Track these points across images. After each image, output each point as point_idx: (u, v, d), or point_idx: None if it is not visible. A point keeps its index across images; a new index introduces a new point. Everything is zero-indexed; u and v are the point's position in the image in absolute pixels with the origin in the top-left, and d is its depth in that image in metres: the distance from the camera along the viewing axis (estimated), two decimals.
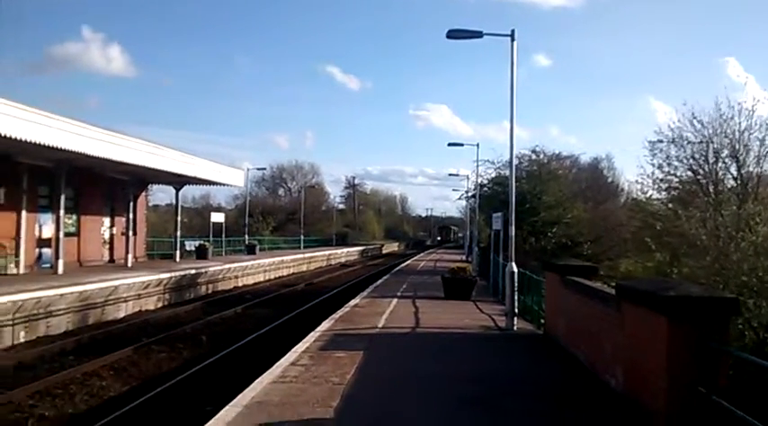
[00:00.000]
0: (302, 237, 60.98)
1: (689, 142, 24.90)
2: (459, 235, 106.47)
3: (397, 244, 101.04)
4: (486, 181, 39.46)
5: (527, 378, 9.70)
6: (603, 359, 8.86)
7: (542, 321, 15.07)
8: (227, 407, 7.39)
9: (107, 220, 29.83)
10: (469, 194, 46.66)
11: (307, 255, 49.34)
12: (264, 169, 77.82)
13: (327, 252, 56.31)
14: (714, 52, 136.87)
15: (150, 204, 45.04)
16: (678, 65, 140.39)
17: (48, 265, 23.79)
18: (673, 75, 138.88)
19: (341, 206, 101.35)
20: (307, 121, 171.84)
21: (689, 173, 25.45)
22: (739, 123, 23.23)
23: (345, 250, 63.69)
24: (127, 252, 27.82)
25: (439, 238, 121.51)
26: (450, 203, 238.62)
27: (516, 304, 15.02)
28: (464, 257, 47.70)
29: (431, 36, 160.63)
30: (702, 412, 5.89)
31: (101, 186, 28.13)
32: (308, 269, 46.54)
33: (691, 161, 25.15)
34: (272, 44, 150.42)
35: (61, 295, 17.64)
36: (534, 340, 13.76)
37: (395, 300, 19.82)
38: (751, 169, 23.46)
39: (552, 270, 13.42)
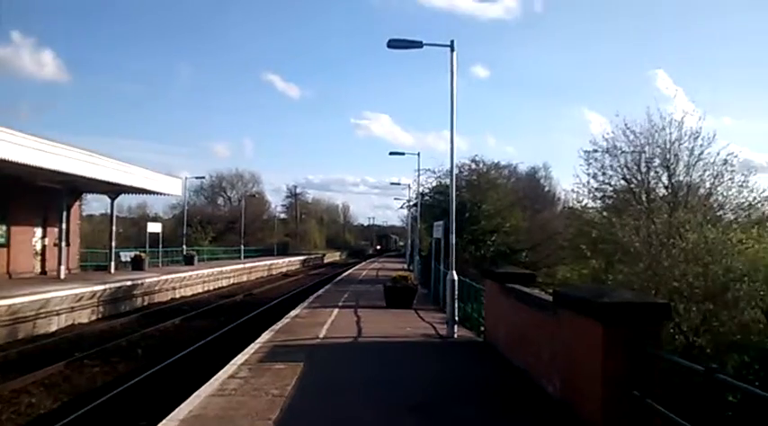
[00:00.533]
0: (243, 247, 60.20)
1: (622, 152, 25.72)
2: (401, 243, 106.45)
3: (339, 253, 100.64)
4: (427, 190, 39.83)
5: (467, 386, 9.75)
6: (541, 366, 8.98)
7: (482, 328, 15.21)
8: (163, 422, 7.21)
9: (39, 231, 28.88)
10: (411, 203, 46.96)
11: (247, 265, 48.74)
12: (203, 178, 76.52)
13: (268, 262, 55.72)
14: (644, 65, 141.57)
15: (84, 214, 43.74)
16: (610, 76, 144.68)
17: None
18: (605, 87, 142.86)
19: (282, 215, 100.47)
20: (246, 129, 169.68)
21: (622, 182, 26.24)
22: (670, 133, 24.11)
23: (287, 259, 63.17)
24: (59, 264, 26.94)
25: (378, 247, 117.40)
26: (392, 212, 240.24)
27: (457, 312, 15.13)
28: (405, 266, 47.87)
29: (370, 45, 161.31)
30: (637, 416, 6.02)
31: (32, 195, 27.18)
32: (248, 279, 45.94)
33: (624, 170, 25.93)
34: (211, 51, 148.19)
35: None
36: (474, 347, 13.87)
37: (336, 310, 19.72)
38: (681, 178, 24.36)
39: (491, 277, 13.56)
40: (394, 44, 15.04)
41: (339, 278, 39.70)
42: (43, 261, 29.06)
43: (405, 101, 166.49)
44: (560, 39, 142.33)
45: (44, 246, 29.15)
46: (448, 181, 24.81)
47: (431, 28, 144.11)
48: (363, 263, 65.56)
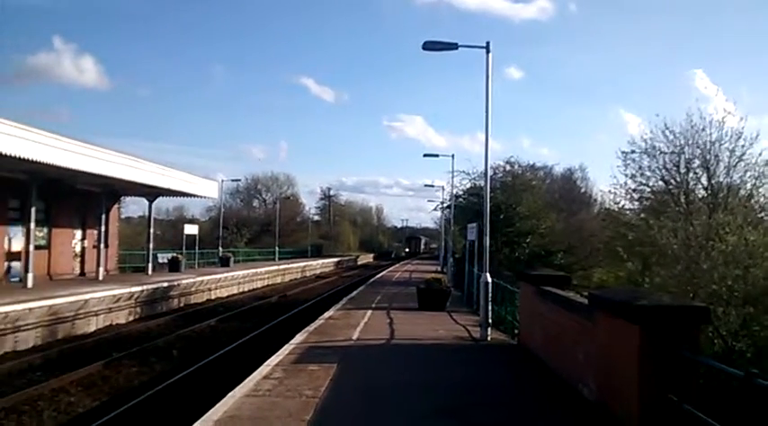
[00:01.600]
0: (277, 249, 60.65)
1: (661, 152, 25.25)
2: (433, 245, 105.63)
3: (372, 255, 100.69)
4: (461, 192, 39.63)
5: (501, 389, 9.69)
6: (577, 369, 8.89)
7: (516, 331, 15.09)
8: (197, 422, 7.27)
9: (78, 233, 29.42)
10: (445, 205, 46.76)
11: (281, 267, 49.06)
12: (239, 180, 77.53)
13: (302, 264, 56.04)
14: (681, 65, 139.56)
15: (123, 216, 44.57)
16: (647, 77, 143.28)
17: (17, 279, 23.39)
18: (642, 87, 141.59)
19: (316, 217, 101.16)
20: (281, 132, 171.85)
21: (661, 183, 25.78)
22: (710, 134, 23.61)
23: (320, 261, 63.44)
24: (98, 266, 27.44)
25: (407, 249, 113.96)
26: (425, 214, 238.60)
27: (490, 314, 15.05)
28: (439, 268, 47.74)
29: (404, 47, 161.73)
30: (673, 420, 5.92)
31: (73, 198, 27.74)
32: (282, 281, 46.25)
33: (663, 171, 25.48)
34: (247, 55, 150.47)
35: (30, 309, 17.32)
36: (508, 350, 13.77)
37: (369, 312, 19.75)
38: (721, 179, 23.83)
39: (526, 280, 13.46)
40: (429, 46, 15.03)
41: (372, 280, 39.74)
42: (82, 262, 29.59)
43: (438, 103, 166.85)
44: (595, 39, 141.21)
45: (83, 248, 29.68)
46: (482, 182, 24.72)
47: (464, 29, 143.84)
48: (394, 265, 64.92)
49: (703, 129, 23.76)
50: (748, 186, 23.13)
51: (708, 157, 23.85)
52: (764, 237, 17.72)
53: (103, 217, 28.33)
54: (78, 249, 29.46)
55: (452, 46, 14.94)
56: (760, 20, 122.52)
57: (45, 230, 26.24)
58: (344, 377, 10.08)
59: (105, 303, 21.45)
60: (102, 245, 27.92)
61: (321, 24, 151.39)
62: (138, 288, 23.99)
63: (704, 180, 24.41)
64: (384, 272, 49.20)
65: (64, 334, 18.78)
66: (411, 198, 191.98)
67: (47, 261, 26.18)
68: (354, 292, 28.72)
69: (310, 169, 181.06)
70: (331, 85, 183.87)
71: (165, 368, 15.00)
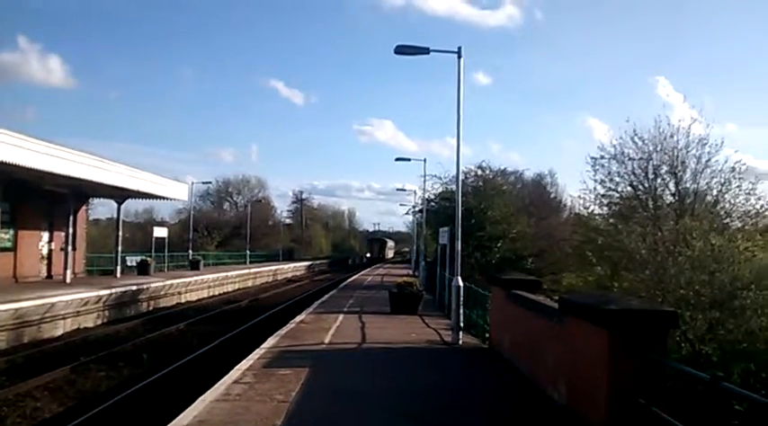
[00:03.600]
0: (248, 252, 60.26)
1: (630, 158, 25.57)
2: (405, 249, 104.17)
3: (349, 257, 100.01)
4: (433, 197, 39.78)
5: (472, 392, 9.73)
6: (547, 373, 8.96)
7: (487, 335, 15.17)
8: None
9: (45, 235, 28.95)
10: (417, 209, 46.88)
11: (252, 270, 48.76)
12: (210, 183, 76.52)
13: (274, 268, 55.76)
14: (645, 72, 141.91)
15: (91, 218, 43.92)
16: (611, 83, 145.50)
17: None
18: (606, 94, 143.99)
19: (288, 220, 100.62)
20: (252, 135, 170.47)
21: (629, 188, 26.10)
22: (677, 141, 23.99)
23: (292, 265, 63.19)
24: (65, 268, 27.01)
25: (368, 254, 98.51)
26: (396, 218, 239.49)
27: (462, 318, 15.12)
28: (411, 272, 47.79)
29: (372, 52, 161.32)
30: (642, 424, 5.99)
31: (39, 200, 27.28)
32: (253, 284, 45.96)
33: (631, 177, 25.80)
34: (216, 58, 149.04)
35: None
36: (479, 354, 13.83)
37: (341, 316, 19.71)
38: (688, 185, 24.22)
39: (497, 284, 13.55)
40: (401, 50, 15.09)
41: (344, 283, 39.66)
42: (49, 265, 29.11)
43: (408, 107, 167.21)
44: (561, 46, 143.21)
45: (50, 250, 29.21)
46: (454, 187, 24.82)
47: (433, 35, 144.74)
48: (364, 271, 58.93)
49: (671, 136, 24.15)
50: (714, 192, 23.54)
51: (675, 164, 24.22)
52: (730, 243, 18.06)
53: (71, 218, 27.89)
54: (45, 251, 28.99)
55: (424, 50, 15.02)
56: (721, 29, 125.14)
57: (11, 232, 25.79)
58: (316, 381, 10.05)
59: (73, 306, 21.11)
60: (69, 248, 27.49)
61: (290, 27, 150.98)
62: (107, 292, 23.66)
63: (672, 186, 24.79)
64: (356, 276, 49.09)
65: (30, 338, 18.43)
66: (383, 201, 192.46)
67: (12, 263, 25.74)
68: (326, 296, 28.65)
69: (281, 172, 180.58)
70: (300, 89, 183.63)
71: (133, 373, 14.80)
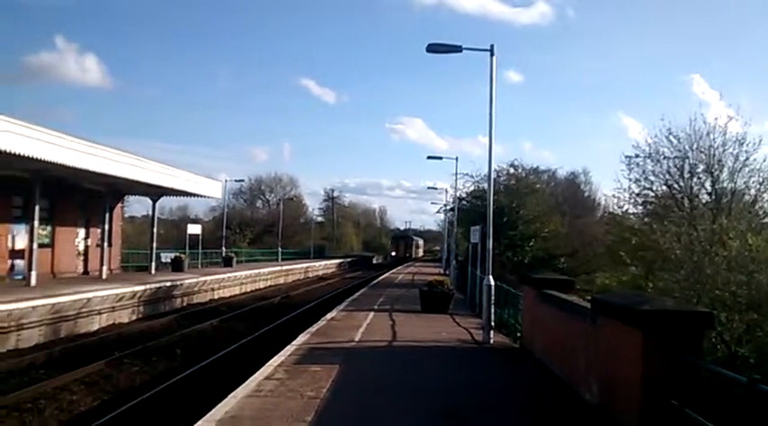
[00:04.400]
0: (280, 250, 60.63)
1: (665, 157, 25.26)
2: (436, 248, 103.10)
3: (374, 256, 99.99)
4: (464, 195, 39.65)
5: (503, 392, 9.68)
6: (579, 373, 8.88)
7: (519, 334, 15.08)
8: (199, 422, 7.28)
9: (82, 231, 29.46)
10: (448, 207, 46.76)
11: (284, 268, 49.06)
12: (242, 181, 77.26)
13: (305, 265, 56.04)
14: (679, 69, 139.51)
15: (126, 215, 44.59)
16: (645, 81, 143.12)
17: (20, 276, 23.39)
18: (640, 92, 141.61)
19: (319, 218, 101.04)
20: (284, 134, 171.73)
21: (664, 187, 25.76)
22: (714, 139, 23.61)
23: (323, 262, 63.41)
24: (101, 264, 27.46)
25: (393, 253, 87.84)
26: (428, 216, 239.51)
27: (493, 317, 15.04)
28: (442, 270, 47.71)
29: (403, 50, 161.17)
30: (675, 425, 5.90)
31: (76, 197, 27.79)
32: (285, 281, 46.26)
33: (666, 176, 25.48)
34: (249, 56, 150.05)
35: (33, 307, 17.34)
36: (511, 353, 13.76)
37: (372, 313, 19.75)
38: (725, 185, 23.83)
39: (529, 283, 13.46)
40: (433, 48, 15.09)
41: (375, 281, 39.73)
42: (86, 261, 29.63)
43: (439, 105, 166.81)
44: (593, 44, 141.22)
45: (87, 247, 29.73)
46: (485, 185, 24.69)
47: (464, 33, 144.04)
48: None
49: (708, 134, 23.77)
50: (752, 191, 23.15)
51: (712, 162, 23.84)
52: None
53: (107, 215, 28.37)
54: (82, 247, 29.51)
55: (457, 48, 14.98)
56: (758, 26, 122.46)
57: (48, 228, 26.28)
58: (346, 378, 10.09)
59: (108, 302, 21.47)
60: (105, 244, 27.97)
61: (321, 26, 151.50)
62: (141, 288, 24.01)
63: (708, 185, 24.42)
64: (387, 274, 49.06)
65: (66, 333, 18.79)
66: (413, 200, 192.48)
67: (50, 259, 26.21)
68: (357, 293, 28.75)
69: (313, 170, 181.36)
70: (332, 87, 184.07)
71: (167, 368, 15.00)
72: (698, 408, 5.74)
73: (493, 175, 17.07)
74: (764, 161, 22.63)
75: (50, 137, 19.02)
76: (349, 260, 76.16)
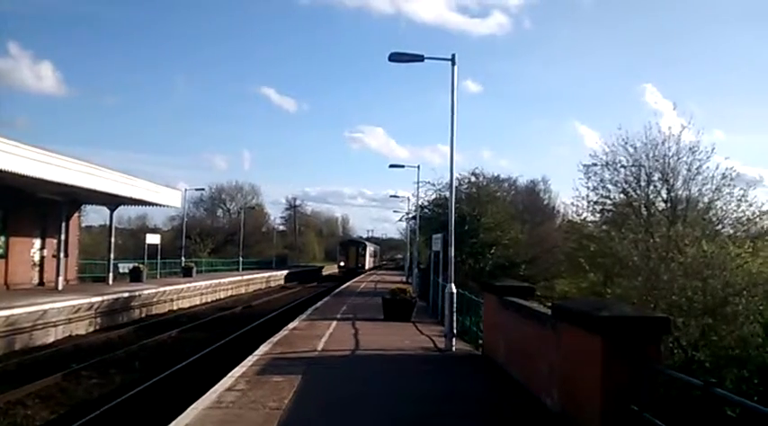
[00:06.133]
0: (241, 259, 60.05)
1: (622, 166, 25.72)
2: (399, 255, 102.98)
3: (323, 267, 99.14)
4: (426, 203, 39.81)
5: (466, 399, 9.72)
6: (540, 379, 8.96)
7: (481, 341, 15.17)
8: None
9: (37, 242, 28.79)
10: (410, 216, 46.88)
11: (245, 277, 48.65)
12: (203, 189, 76.31)
13: (267, 274, 55.64)
14: (632, 79, 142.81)
15: (83, 225, 43.71)
16: (599, 90, 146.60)
17: None
18: (594, 101, 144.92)
19: (281, 227, 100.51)
20: (244, 142, 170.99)
21: (622, 195, 26.22)
22: (668, 148, 24.13)
23: (285, 272, 63.02)
24: (58, 275, 26.87)
25: (342, 263, 75.57)
26: (390, 225, 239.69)
27: (455, 325, 15.11)
28: (404, 278, 47.78)
29: (363, 59, 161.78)
30: None
31: (31, 207, 27.14)
32: (246, 291, 45.89)
33: (624, 184, 25.95)
34: (207, 65, 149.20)
35: None
36: (473, 360, 13.83)
37: (334, 322, 19.67)
38: (680, 192, 24.36)
39: (490, 290, 13.55)
40: (396, 58, 15.15)
41: (337, 290, 39.57)
42: (41, 272, 28.96)
43: (399, 114, 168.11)
44: (550, 53, 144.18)
45: (42, 257, 29.06)
46: (447, 193, 24.82)
47: (422, 43, 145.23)
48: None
49: (662, 143, 24.30)
50: (706, 199, 23.67)
51: (667, 171, 24.37)
52: (722, 249, 18.12)
53: (63, 225, 27.77)
54: (37, 258, 28.83)
55: (419, 58, 15.08)
56: (708, 37, 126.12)
57: (2, 239, 25.65)
58: (309, 388, 10.02)
59: (65, 313, 21.00)
60: (61, 254, 27.35)
61: (281, 35, 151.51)
62: (99, 299, 23.55)
63: (664, 193, 24.93)
64: (349, 283, 48.91)
65: (21, 345, 18.30)
66: (375, 208, 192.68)
67: (4, 270, 25.58)
68: (319, 303, 28.58)
69: (274, 179, 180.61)
70: (292, 96, 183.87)
71: (126, 380, 14.72)
72: (657, 412, 5.85)
73: (454, 184, 17.17)
74: (716, 169, 23.21)
75: (3, 145, 18.56)
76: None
